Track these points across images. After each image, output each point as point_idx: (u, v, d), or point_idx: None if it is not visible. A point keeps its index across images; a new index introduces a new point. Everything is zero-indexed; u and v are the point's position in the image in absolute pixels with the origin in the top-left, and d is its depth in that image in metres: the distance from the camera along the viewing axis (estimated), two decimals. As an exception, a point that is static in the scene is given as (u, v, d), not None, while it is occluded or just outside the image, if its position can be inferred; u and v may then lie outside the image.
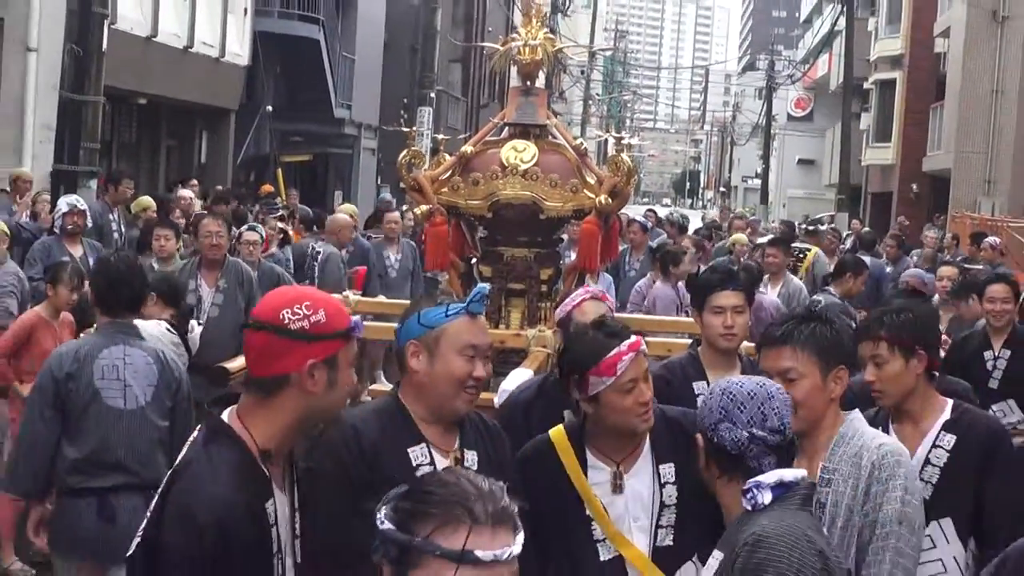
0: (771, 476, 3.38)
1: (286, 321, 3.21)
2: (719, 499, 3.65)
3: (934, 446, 4.71)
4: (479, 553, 2.23)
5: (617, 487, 4.14)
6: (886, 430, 4.75)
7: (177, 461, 3.25)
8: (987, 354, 8.43)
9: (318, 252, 13.50)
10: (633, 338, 4.08)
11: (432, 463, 3.81)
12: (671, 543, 4.15)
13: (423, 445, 3.84)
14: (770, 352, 4.17)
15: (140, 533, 3.16)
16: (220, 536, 3.07)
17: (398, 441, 3.84)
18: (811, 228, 21.31)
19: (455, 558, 2.23)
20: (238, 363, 5.44)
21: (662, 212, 27.62)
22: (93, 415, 6.10)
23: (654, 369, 4.72)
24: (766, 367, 4.17)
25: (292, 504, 3.38)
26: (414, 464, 3.79)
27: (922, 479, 4.64)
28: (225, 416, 3.29)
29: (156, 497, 3.19)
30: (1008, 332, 8.26)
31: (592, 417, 4.20)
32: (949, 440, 4.70)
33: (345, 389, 3.37)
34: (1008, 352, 8.04)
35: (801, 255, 14.65)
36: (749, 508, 3.34)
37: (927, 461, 4.69)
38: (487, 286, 4.44)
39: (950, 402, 4.83)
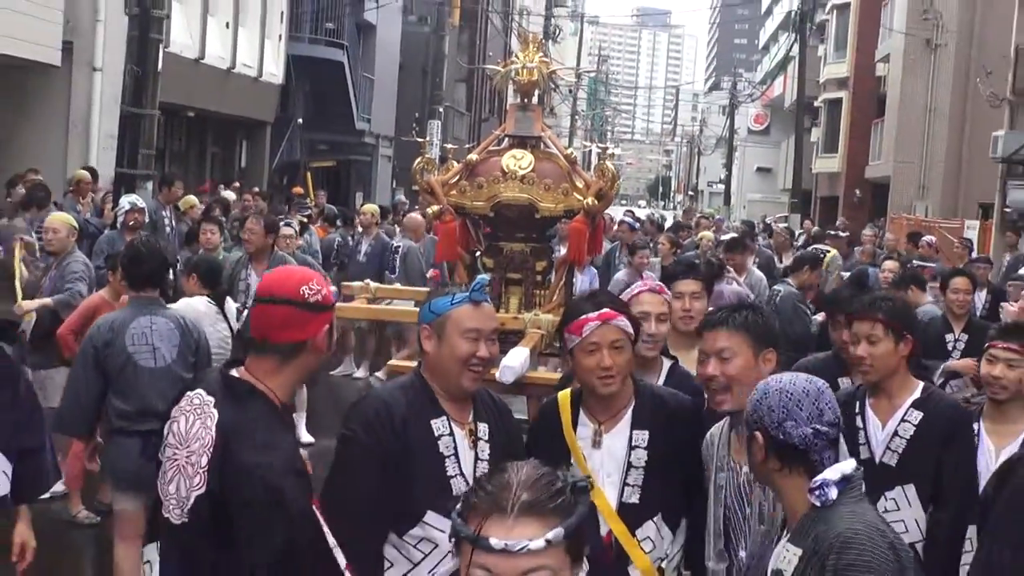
0: (834, 472, 3.19)
1: (306, 296, 3.34)
2: (779, 491, 3.39)
3: (903, 420, 4.73)
4: (492, 541, 2.13)
5: (596, 443, 4.15)
6: (863, 404, 4.82)
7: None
8: (948, 336, 8.50)
9: (398, 247, 14.08)
10: (606, 309, 4.06)
11: (452, 434, 3.83)
12: (636, 501, 4.10)
13: (443, 418, 3.83)
14: (709, 334, 4.12)
15: (205, 485, 3.24)
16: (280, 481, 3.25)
17: (422, 414, 3.82)
18: (832, 232, 20.92)
19: (471, 541, 2.17)
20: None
21: (641, 213, 27.65)
22: (130, 374, 6.49)
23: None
24: (705, 347, 4.11)
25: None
26: (436, 434, 3.81)
27: (889, 449, 4.71)
28: (239, 375, 3.40)
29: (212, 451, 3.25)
30: (966, 319, 8.33)
31: (575, 376, 4.30)
32: (916, 416, 4.72)
33: (327, 353, 3.51)
34: (966, 336, 8.11)
35: (821, 255, 14.69)
36: (818, 504, 3.17)
37: (895, 433, 4.73)
38: (487, 276, 4.35)
39: (921, 384, 4.84)
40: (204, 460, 3.24)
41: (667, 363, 5.15)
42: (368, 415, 3.81)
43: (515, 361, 5.49)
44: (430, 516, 3.75)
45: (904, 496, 4.70)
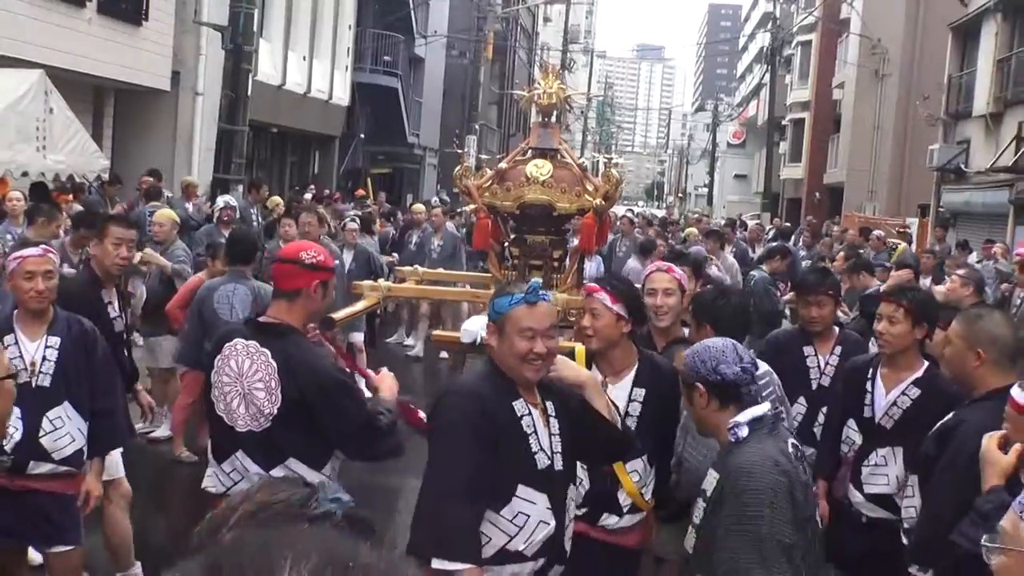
0: (746, 415, 3.28)
1: (303, 259, 3.88)
2: (715, 430, 3.43)
3: (903, 394, 4.73)
4: None
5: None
6: (875, 371, 4.82)
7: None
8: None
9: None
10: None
11: (530, 413, 3.47)
12: None
13: (521, 400, 3.47)
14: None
15: (281, 399, 3.76)
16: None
17: (504, 398, 3.46)
18: (900, 231, 20.59)
19: None
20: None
21: (636, 210, 27.57)
22: (212, 324, 6.95)
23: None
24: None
25: None
26: (519, 415, 3.45)
27: (887, 414, 4.73)
28: (266, 319, 3.94)
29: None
30: None
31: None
32: (915, 392, 4.71)
33: (327, 303, 4.03)
34: None
35: (892, 247, 14.63)
36: (732, 440, 3.26)
37: (894, 403, 4.74)
38: (539, 280, 3.81)
39: (926, 364, 4.79)
40: (273, 383, 3.73)
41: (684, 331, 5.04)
42: (462, 404, 3.44)
43: (474, 326, 5.61)
44: (521, 490, 3.41)
45: (892, 455, 4.72)
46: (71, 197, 11.85)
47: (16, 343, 4.51)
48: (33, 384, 4.46)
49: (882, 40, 32.21)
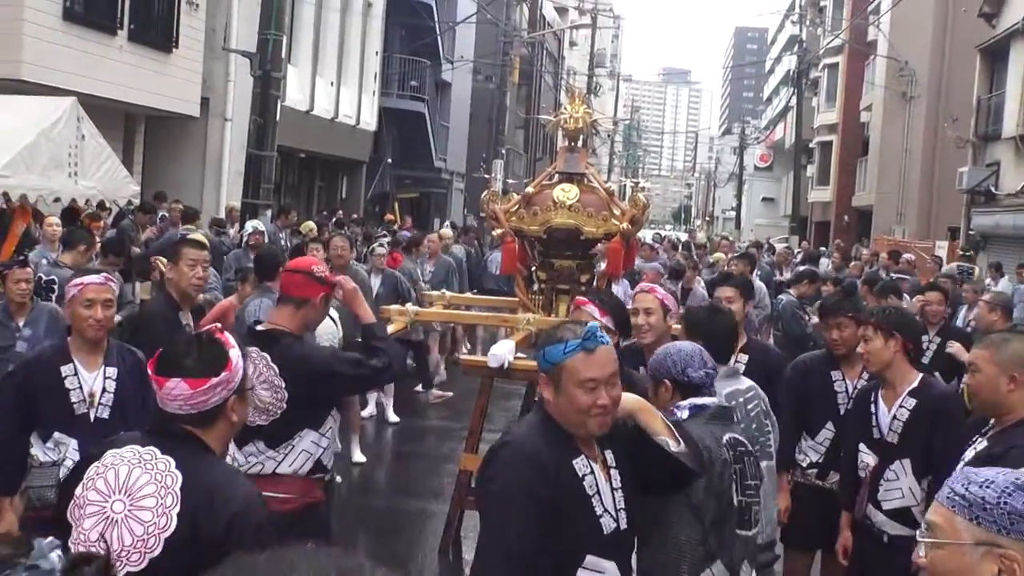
0: (689, 401, 3.64)
1: (315, 272, 4.38)
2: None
3: (900, 406, 4.79)
4: None
5: None
6: (876, 393, 4.92)
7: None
8: (924, 338, 8.39)
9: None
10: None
11: (592, 471, 3.07)
12: None
13: (582, 456, 3.07)
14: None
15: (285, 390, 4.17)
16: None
17: (564, 456, 3.05)
18: (967, 253, 20.45)
19: None
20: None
21: (663, 234, 27.58)
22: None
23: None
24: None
25: None
26: (580, 474, 3.05)
27: (891, 429, 4.80)
28: (265, 327, 4.32)
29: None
30: (940, 325, 8.21)
31: None
32: (911, 403, 4.78)
33: (323, 315, 4.52)
34: (938, 339, 7.98)
35: (968, 273, 14.61)
36: (672, 420, 3.47)
37: (894, 417, 4.80)
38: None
39: (920, 376, 4.89)
40: (277, 382, 4.13)
41: None
42: (517, 466, 3.00)
43: (502, 350, 5.70)
44: (589, 560, 3.03)
45: (902, 468, 4.75)
46: (102, 224, 11.98)
47: (75, 374, 4.39)
48: (92, 416, 4.36)
49: (910, 62, 32.12)
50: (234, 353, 2.82)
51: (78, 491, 2.72)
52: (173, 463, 2.69)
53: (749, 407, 4.45)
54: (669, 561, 3.42)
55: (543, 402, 3.13)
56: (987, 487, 1.97)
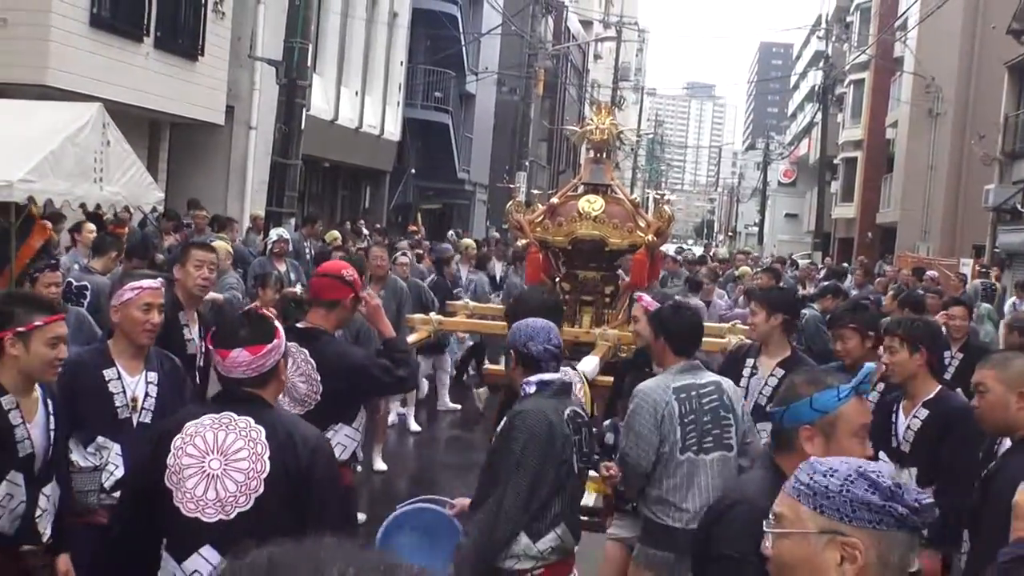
0: (536, 377, 4.07)
1: (345, 276, 4.65)
2: (516, 386, 4.17)
3: (914, 416, 4.84)
4: None
5: None
6: (898, 404, 4.96)
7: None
8: (946, 353, 8.30)
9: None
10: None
11: None
12: None
13: None
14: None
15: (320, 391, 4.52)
16: None
17: None
18: (985, 270, 20.25)
19: None
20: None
21: (685, 248, 27.48)
22: None
23: None
24: None
25: None
26: None
27: (904, 439, 4.85)
28: (304, 325, 4.61)
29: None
30: (963, 340, 8.16)
31: None
32: (924, 414, 4.81)
33: (352, 315, 4.80)
34: (961, 354, 7.93)
35: (992, 289, 14.59)
36: (523, 394, 4.08)
37: (908, 426, 4.85)
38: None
39: (938, 387, 4.92)
40: (313, 375, 4.43)
41: None
42: (757, 533, 2.35)
43: (589, 367, 5.56)
44: None
45: (909, 475, 4.74)
46: (127, 228, 12.03)
47: (119, 378, 4.32)
48: (134, 421, 4.30)
49: (936, 79, 31.97)
50: (278, 323, 3.41)
51: (170, 460, 3.18)
52: (252, 420, 3.21)
53: (704, 400, 4.59)
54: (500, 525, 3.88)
55: (772, 456, 2.88)
56: (830, 476, 1.97)
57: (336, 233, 15.52)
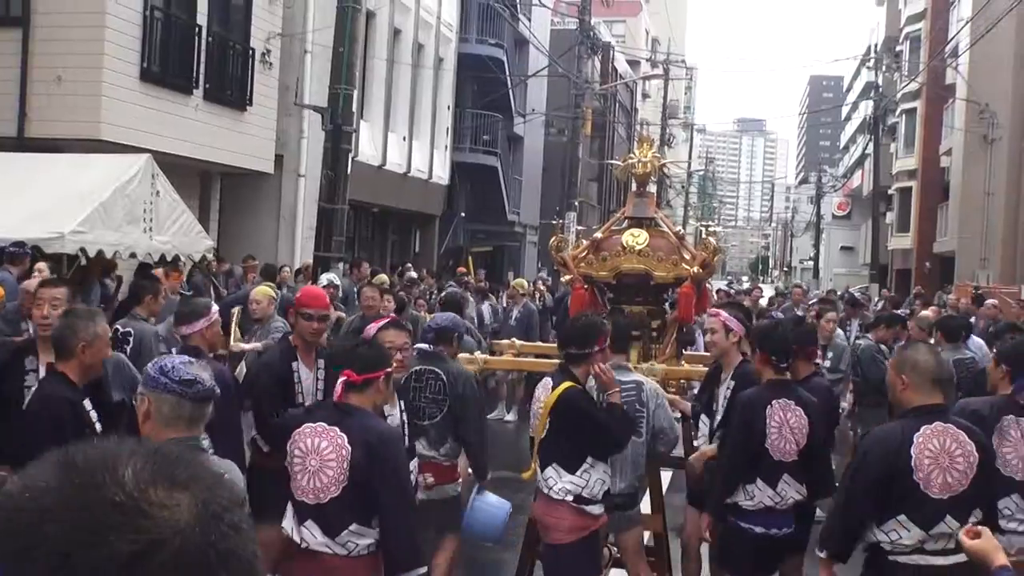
0: (418, 346, 5.87)
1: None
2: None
3: None
4: None
5: None
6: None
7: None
8: None
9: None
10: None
11: None
12: None
13: None
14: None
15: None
16: None
17: None
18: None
19: None
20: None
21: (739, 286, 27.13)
22: None
23: None
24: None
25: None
26: None
27: None
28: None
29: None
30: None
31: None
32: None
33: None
34: None
35: None
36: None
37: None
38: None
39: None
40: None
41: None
42: None
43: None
44: None
45: None
46: (181, 276, 12.19)
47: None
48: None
49: (990, 104, 31.59)
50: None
51: (289, 452, 4.29)
52: (338, 429, 4.19)
53: (624, 394, 5.31)
54: None
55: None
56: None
57: (384, 277, 15.61)
